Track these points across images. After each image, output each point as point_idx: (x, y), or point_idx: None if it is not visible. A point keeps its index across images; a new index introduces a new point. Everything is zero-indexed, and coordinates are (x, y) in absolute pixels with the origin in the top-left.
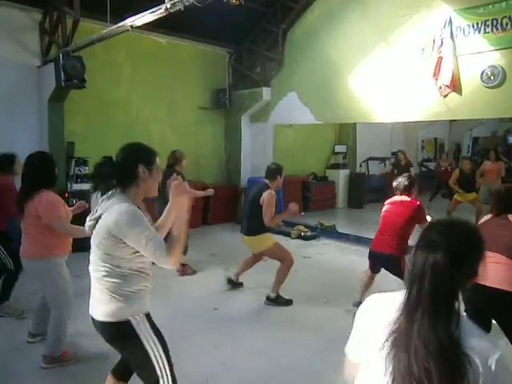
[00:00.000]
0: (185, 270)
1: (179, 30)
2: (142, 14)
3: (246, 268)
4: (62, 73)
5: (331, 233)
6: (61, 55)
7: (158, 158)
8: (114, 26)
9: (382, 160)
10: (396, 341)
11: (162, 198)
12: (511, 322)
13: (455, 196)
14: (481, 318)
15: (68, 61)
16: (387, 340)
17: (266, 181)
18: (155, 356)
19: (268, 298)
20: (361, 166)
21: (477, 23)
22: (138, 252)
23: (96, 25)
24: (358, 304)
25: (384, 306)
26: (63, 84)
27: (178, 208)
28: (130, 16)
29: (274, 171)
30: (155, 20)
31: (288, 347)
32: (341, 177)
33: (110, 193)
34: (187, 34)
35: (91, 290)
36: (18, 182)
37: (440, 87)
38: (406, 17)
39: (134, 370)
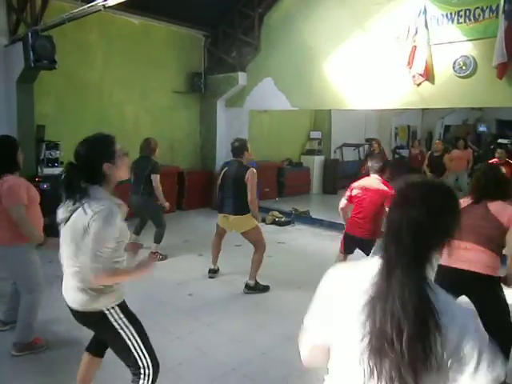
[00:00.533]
0: (154, 257)
1: (153, 11)
2: None
3: (218, 251)
4: (31, 53)
5: (305, 218)
6: (30, 34)
7: (117, 145)
8: (86, 6)
9: (356, 146)
10: (373, 302)
11: (141, 189)
12: (487, 302)
13: None
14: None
15: (37, 40)
16: (364, 305)
17: (236, 158)
18: (132, 344)
19: (247, 286)
20: (335, 152)
21: (450, 13)
22: (113, 247)
23: (67, 3)
24: None
25: (349, 277)
26: (32, 64)
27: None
28: None
29: (240, 148)
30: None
31: (262, 332)
32: (315, 163)
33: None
34: (161, 15)
35: (64, 279)
36: None
37: (413, 76)
38: (382, 4)
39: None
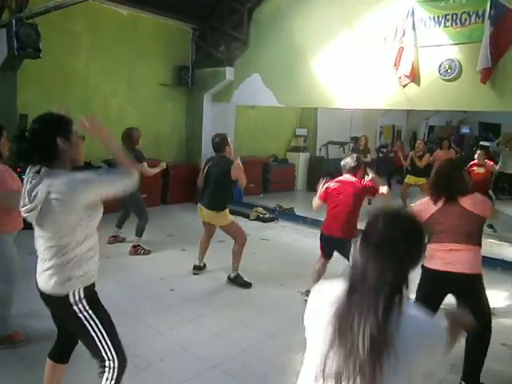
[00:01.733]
0: (137, 250)
1: (141, 2)
2: None
3: (205, 248)
4: (15, 40)
5: (289, 215)
6: (14, 21)
7: (74, 126)
8: None
9: (342, 144)
10: (337, 318)
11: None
12: (472, 300)
13: (405, 180)
14: (434, 296)
15: (22, 28)
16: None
17: (220, 154)
18: (98, 337)
19: (229, 278)
20: (321, 149)
21: (438, 16)
22: (83, 223)
23: None
24: (308, 293)
25: (328, 299)
26: (16, 52)
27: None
28: None
29: (221, 143)
30: None
31: (244, 329)
32: (301, 160)
33: (37, 172)
34: (150, 6)
35: (37, 264)
36: None
37: (400, 77)
38: (371, 4)
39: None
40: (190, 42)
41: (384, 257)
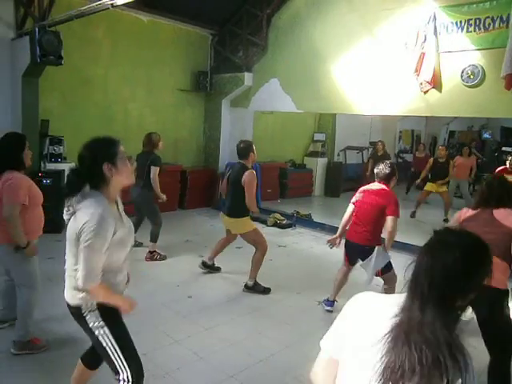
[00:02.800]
0: (153, 256)
1: (162, 9)
2: None
3: (220, 249)
4: (38, 48)
5: (307, 222)
6: (37, 29)
7: (121, 146)
8: (94, 4)
9: (360, 150)
10: (397, 331)
11: (141, 182)
12: (492, 314)
13: (425, 187)
14: None
15: (44, 36)
16: (382, 339)
17: (242, 161)
18: (112, 351)
19: (246, 286)
20: (339, 154)
21: (460, 21)
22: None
23: None
24: (329, 303)
25: (373, 308)
26: (39, 60)
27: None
28: None
29: (245, 150)
30: None
31: (261, 338)
32: (319, 165)
33: (83, 191)
34: (170, 12)
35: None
36: None
37: (421, 83)
38: (392, 10)
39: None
40: (208, 48)
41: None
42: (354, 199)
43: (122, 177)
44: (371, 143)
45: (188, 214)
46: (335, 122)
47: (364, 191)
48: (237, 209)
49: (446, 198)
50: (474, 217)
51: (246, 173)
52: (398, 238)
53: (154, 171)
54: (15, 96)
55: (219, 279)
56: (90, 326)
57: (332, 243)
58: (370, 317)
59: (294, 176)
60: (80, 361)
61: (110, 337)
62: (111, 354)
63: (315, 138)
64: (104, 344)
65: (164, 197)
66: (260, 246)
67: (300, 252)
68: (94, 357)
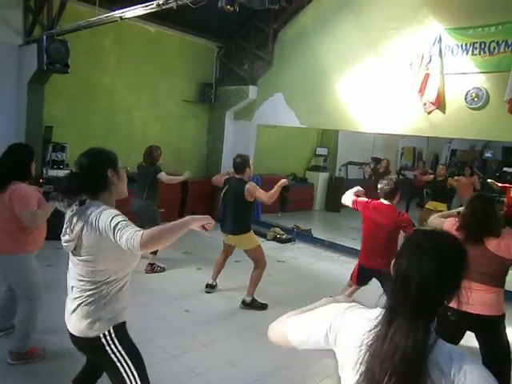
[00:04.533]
0: (153, 268)
1: (170, 20)
2: (133, 8)
3: (220, 268)
4: (45, 56)
5: (307, 237)
6: (45, 37)
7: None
8: (103, 15)
9: (362, 165)
10: (370, 346)
11: (144, 195)
12: (489, 341)
13: (426, 205)
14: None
15: (52, 44)
16: (362, 345)
17: (237, 175)
18: (126, 373)
19: (244, 302)
20: (340, 169)
21: (466, 44)
22: (121, 256)
23: (84, 8)
24: None
25: (358, 321)
26: (45, 67)
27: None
28: (121, 4)
29: (242, 164)
30: None
31: (258, 356)
32: (320, 179)
33: (81, 202)
34: (177, 24)
35: (66, 304)
36: None
37: (425, 103)
38: (397, 30)
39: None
40: (214, 60)
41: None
42: (358, 202)
43: (121, 186)
44: (373, 159)
45: None
46: (338, 137)
47: (372, 210)
48: (240, 224)
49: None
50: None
51: (246, 187)
52: None
53: (164, 176)
54: (20, 102)
55: (217, 293)
56: (112, 356)
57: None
58: (351, 328)
59: (295, 190)
60: None
61: (130, 365)
62: (127, 379)
63: (317, 153)
64: (123, 373)
65: (187, 173)
66: (260, 263)
67: (299, 268)
68: (88, 380)
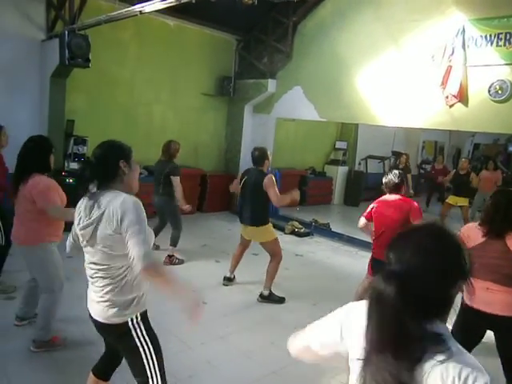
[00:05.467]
0: (172, 260)
1: (189, 14)
2: (152, 1)
3: (238, 261)
4: (67, 50)
5: (325, 231)
6: (66, 32)
7: (133, 154)
8: (123, 10)
9: (382, 159)
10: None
11: (161, 190)
12: (508, 341)
13: (447, 200)
14: (469, 332)
15: (73, 39)
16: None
17: (256, 167)
18: (147, 359)
19: (261, 296)
20: (360, 163)
21: (490, 35)
22: None
23: (104, 2)
24: None
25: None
26: (67, 62)
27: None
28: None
29: (260, 157)
30: None
31: (274, 349)
32: (339, 173)
33: (95, 193)
34: (196, 18)
35: (89, 295)
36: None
37: (447, 96)
38: (419, 22)
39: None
40: (233, 53)
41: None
42: (368, 211)
43: (133, 178)
44: (393, 153)
45: (206, 218)
46: (357, 130)
47: (381, 206)
48: (259, 216)
49: (464, 212)
50: (482, 247)
51: (266, 177)
52: None
53: (176, 182)
54: (43, 96)
55: (235, 285)
56: (136, 341)
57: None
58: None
59: (314, 184)
60: (92, 374)
61: (151, 348)
62: (148, 369)
63: (337, 146)
64: (143, 355)
65: (187, 207)
66: (276, 256)
67: (317, 262)
68: (107, 368)
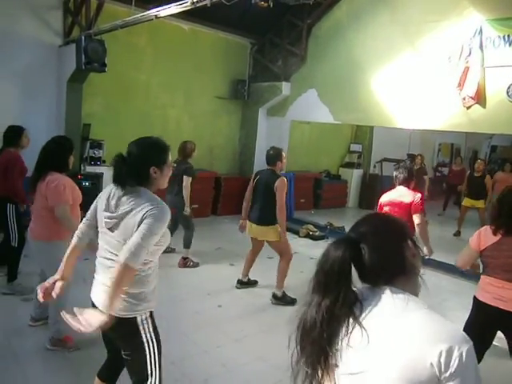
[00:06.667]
0: (186, 263)
1: (203, 18)
2: (168, 6)
3: (250, 265)
4: (83, 55)
5: (340, 234)
6: (83, 37)
7: (170, 154)
8: (139, 15)
9: (397, 162)
10: None
11: (175, 190)
12: None
13: (463, 202)
14: (483, 330)
15: (90, 44)
16: None
17: (270, 167)
18: (150, 356)
19: (274, 296)
20: (375, 166)
21: (508, 35)
22: (158, 244)
23: (120, 7)
24: None
25: None
26: (83, 67)
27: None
28: (156, 3)
29: (274, 157)
30: None
31: (289, 353)
32: (354, 176)
33: (130, 189)
34: (211, 21)
35: (99, 280)
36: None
37: (464, 98)
38: (435, 23)
39: (125, 362)
40: (247, 56)
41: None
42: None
43: (163, 181)
44: (408, 155)
45: (220, 221)
46: (372, 133)
47: (389, 203)
48: (267, 216)
49: (481, 214)
50: (498, 246)
51: (278, 180)
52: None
53: (187, 181)
54: (60, 100)
55: (249, 289)
56: (143, 338)
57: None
58: None
59: (329, 187)
60: (97, 378)
61: (155, 345)
62: (149, 364)
63: (351, 149)
64: (147, 351)
65: (189, 211)
66: (286, 255)
67: None
68: (112, 371)
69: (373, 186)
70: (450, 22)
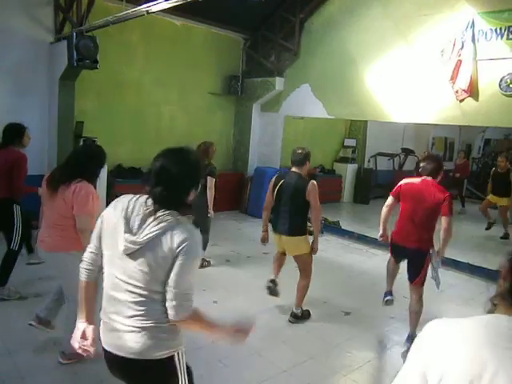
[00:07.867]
0: (202, 264)
1: (195, 13)
2: (159, 1)
3: (279, 264)
4: (75, 52)
5: (335, 229)
6: (74, 34)
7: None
8: (130, 10)
9: (392, 156)
10: None
11: (200, 192)
12: None
13: (488, 197)
14: None
15: (81, 40)
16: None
17: (295, 169)
18: None
19: (294, 316)
20: (369, 161)
21: (500, 28)
22: None
23: (112, 3)
24: (387, 294)
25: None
26: (75, 64)
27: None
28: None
29: (303, 157)
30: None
31: (286, 348)
32: (348, 171)
33: (161, 212)
34: (203, 17)
35: (115, 320)
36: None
37: (456, 91)
38: (428, 16)
39: None
40: (240, 52)
41: None
42: (394, 190)
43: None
44: (403, 150)
45: (216, 217)
46: (367, 127)
47: (412, 189)
48: (298, 225)
49: (503, 212)
50: None
51: (310, 184)
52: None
53: (211, 182)
54: (52, 97)
55: (247, 286)
56: (177, 369)
57: (384, 240)
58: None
59: (323, 181)
60: None
61: (187, 379)
62: None
63: (345, 144)
64: None
65: (212, 212)
66: (307, 272)
67: (327, 260)
68: None
69: (367, 181)
70: (443, 15)
